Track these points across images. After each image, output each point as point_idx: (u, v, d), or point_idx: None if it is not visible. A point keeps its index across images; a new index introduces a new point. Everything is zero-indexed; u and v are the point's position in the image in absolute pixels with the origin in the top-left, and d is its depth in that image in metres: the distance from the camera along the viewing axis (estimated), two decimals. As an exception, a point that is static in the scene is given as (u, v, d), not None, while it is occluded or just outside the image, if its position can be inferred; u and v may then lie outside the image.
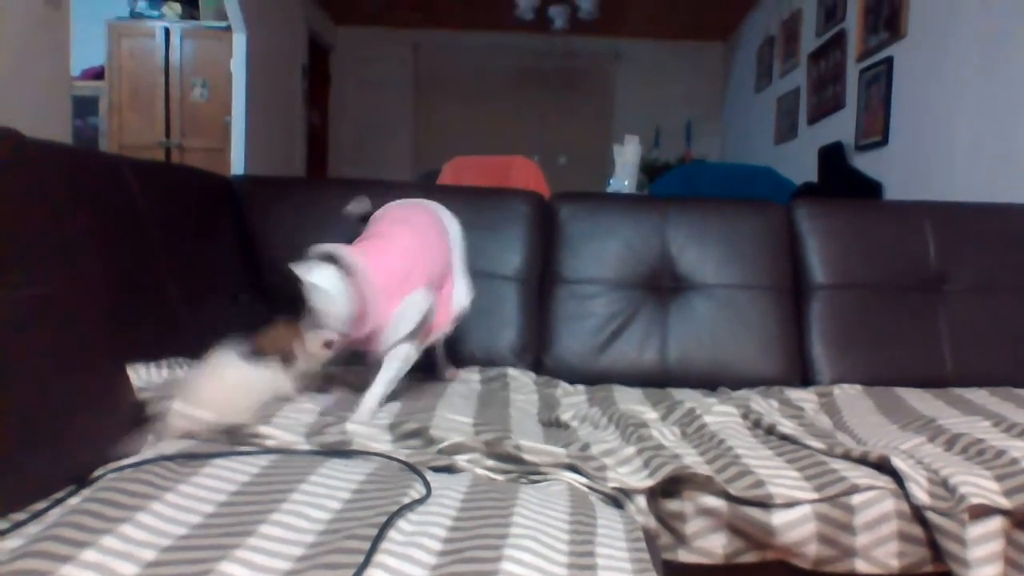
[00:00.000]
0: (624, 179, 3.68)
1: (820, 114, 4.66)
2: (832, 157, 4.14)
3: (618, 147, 3.72)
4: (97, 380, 1.05)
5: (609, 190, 3.84)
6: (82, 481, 0.91)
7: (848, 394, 1.63)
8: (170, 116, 5.21)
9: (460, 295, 1.50)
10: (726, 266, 1.85)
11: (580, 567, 0.80)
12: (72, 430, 0.99)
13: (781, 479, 1.12)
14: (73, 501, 0.86)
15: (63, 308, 1.05)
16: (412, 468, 1.03)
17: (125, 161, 1.38)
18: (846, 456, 1.22)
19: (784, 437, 1.34)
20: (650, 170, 6.06)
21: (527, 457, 1.12)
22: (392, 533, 0.83)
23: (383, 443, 1.13)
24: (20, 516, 0.84)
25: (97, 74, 5.27)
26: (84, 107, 5.04)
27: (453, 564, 0.77)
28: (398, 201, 1.57)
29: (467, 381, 1.62)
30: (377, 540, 0.80)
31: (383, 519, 0.84)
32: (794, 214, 1.93)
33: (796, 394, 1.62)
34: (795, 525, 1.08)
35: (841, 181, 3.94)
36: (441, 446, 1.13)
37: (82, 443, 0.99)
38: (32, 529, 0.79)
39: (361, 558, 0.76)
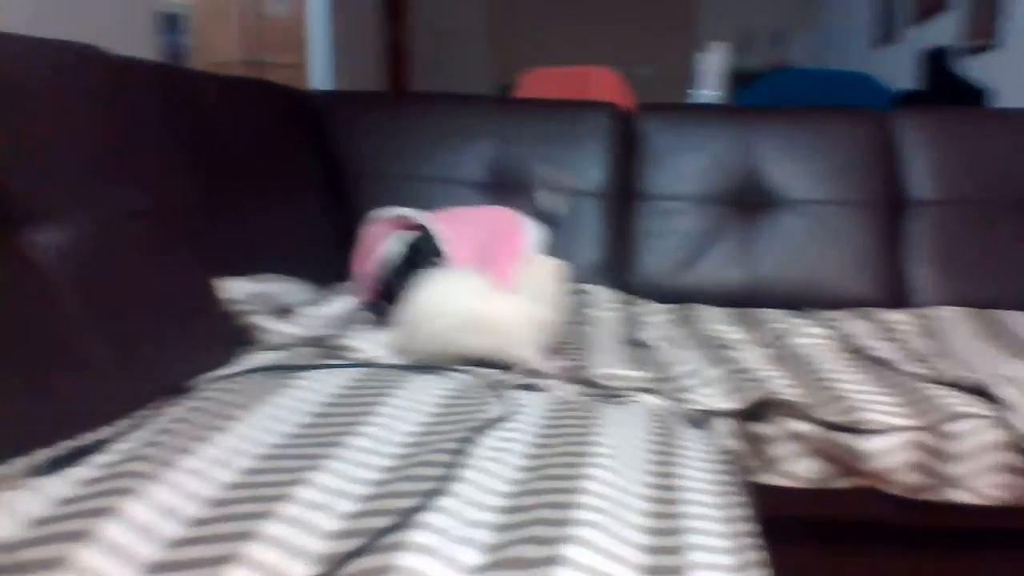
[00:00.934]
0: (708, 89, 3.53)
1: (922, 14, 4.32)
2: (936, 62, 3.86)
3: (701, 55, 3.56)
4: (190, 291, 1.08)
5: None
6: (178, 392, 0.95)
7: (946, 317, 1.55)
8: (249, 31, 5.20)
9: None
10: (817, 180, 1.76)
11: (662, 487, 0.80)
12: (169, 341, 1.03)
13: (874, 404, 1.08)
14: (172, 410, 0.89)
15: (161, 221, 1.08)
16: (495, 385, 1.04)
17: (206, 76, 1.38)
18: (944, 382, 1.17)
19: (877, 361, 1.29)
20: (736, 79, 5.78)
21: (605, 383, 1.11)
22: (475, 449, 0.83)
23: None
24: (125, 424, 0.88)
25: (179, -10, 5.28)
26: (170, 24, 5.07)
27: (535, 480, 0.78)
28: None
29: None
30: (460, 455, 0.80)
31: (467, 435, 0.85)
32: (895, 123, 1.80)
33: (890, 316, 1.54)
34: (888, 452, 1.04)
35: (945, 88, 3.68)
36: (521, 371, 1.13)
37: (178, 354, 1.03)
38: (134, 436, 0.83)
39: (445, 471, 0.77)
